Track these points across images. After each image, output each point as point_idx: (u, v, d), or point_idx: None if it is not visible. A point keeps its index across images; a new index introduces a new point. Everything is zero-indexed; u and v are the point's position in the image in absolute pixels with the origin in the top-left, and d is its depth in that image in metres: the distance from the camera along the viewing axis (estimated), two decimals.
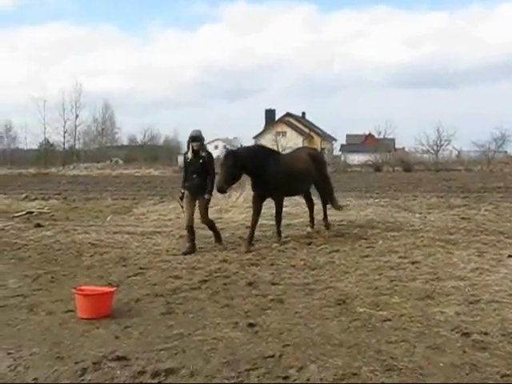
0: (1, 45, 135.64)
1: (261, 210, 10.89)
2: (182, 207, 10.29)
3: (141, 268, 8.78)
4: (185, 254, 9.71)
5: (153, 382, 4.54)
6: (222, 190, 10.10)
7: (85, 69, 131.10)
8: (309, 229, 12.02)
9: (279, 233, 10.83)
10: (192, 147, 10.05)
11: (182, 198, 10.28)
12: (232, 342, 5.40)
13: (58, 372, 4.75)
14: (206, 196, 10.05)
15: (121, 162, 79.70)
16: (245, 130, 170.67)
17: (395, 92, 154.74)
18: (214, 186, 10.12)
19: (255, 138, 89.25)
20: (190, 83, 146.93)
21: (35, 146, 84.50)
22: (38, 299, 7.11)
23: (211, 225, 10.49)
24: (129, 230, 12.72)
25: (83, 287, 6.83)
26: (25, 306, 6.82)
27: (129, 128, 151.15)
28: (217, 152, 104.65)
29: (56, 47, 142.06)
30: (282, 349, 5.18)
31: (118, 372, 4.72)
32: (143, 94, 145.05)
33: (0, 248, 10.88)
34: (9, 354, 5.18)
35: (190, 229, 10.06)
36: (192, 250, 9.93)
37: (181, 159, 46.44)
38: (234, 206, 16.07)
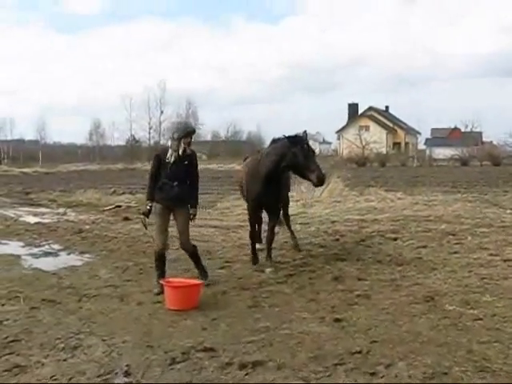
0: (91, 46, 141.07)
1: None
2: (146, 227, 7.54)
3: (226, 261, 8.90)
4: (158, 294, 7.02)
5: (240, 373, 4.59)
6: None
7: (169, 65, 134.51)
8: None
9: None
10: (187, 144, 7.30)
11: (147, 214, 7.38)
12: (318, 336, 5.38)
13: (148, 360, 4.89)
14: (192, 211, 7.42)
15: (204, 157, 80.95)
16: (327, 125, 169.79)
17: (484, 82, 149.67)
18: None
19: (338, 132, 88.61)
20: (273, 78, 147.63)
21: (122, 143, 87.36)
22: (128, 290, 7.35)
23: (194, 250, 7.59)
24: (214, 223, 12.91)
25: (171, 279, 6.99)
26: (116, 295, 7.07)
27: (212, 123, 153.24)
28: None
29: (142, 45, 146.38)
30: (370, 345, 5.12)
31: (206, 363, 4.80)
32: (226, 90, 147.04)
33: (92, 240, 11.32)
34: (103, 340, 5.39)
35: (162, 256, 7.42)
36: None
37: None
38: (318, 200, 16.02)
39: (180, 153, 7.24)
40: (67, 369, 4.73)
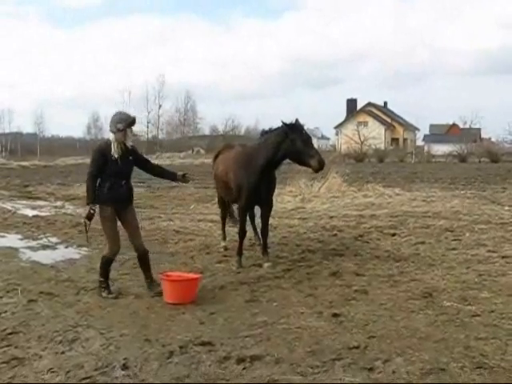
0: (90, 38, 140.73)
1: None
2: (87, 231, 6.92)
3: (224, 256, 8.91)
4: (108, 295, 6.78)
5: (238, 367, 4.59)
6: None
7: (168, 60, 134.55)
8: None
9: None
10: (130, 134, 6.85)
11: (91, 218, 6.75)
12: (316, 331, 5.39)
13: (146, 353, 4.89)
14: (180, 174, 7.19)
15: (202, 151, 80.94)
16: (326, 120, 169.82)
17: (484, 79, 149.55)
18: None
19: (336, 127, 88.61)
20: (273, 73, 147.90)
21: None
22: (126, 283, 7.36)
23: (147, 254, 7.07)
24: (212, 218, 12.88)
25: (169, 273, 6.98)
26: (114, 289, 7.03)
27: (211, 118, 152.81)
28: None
29: (140, 39, 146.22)
30: (367, 340, 5.12)
31: (204, 356, 4.80)
32: (226, 84, 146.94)
33: (90, 233, 11.24)
34: (101, 333, 5.39)
35: (112, 261, 7.03)
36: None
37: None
38: (316, 195, 16.01)
39: (128, 145, 6.78)
40: (65, 361, 4.73)
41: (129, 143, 6.79)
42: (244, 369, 4.57)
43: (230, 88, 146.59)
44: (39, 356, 4.87)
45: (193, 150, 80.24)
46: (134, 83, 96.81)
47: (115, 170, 6.68)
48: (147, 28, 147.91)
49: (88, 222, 6.75)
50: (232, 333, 5.37)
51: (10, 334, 5.43)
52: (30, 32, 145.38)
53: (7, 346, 5.12)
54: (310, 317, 5.81)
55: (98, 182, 6.74)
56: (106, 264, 6.92)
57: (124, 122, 6.70)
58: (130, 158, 6.81)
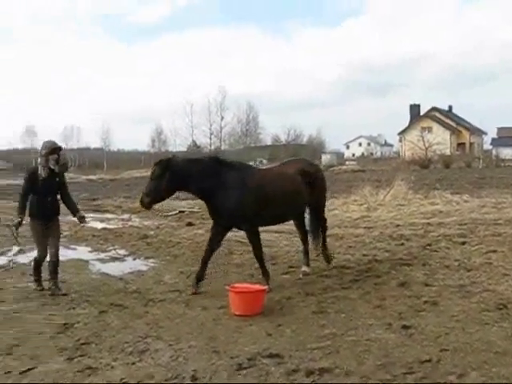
0: (152, 52, 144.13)
1: (220, 240, 8.03)
2: (17, 238, 8.22)
3: (290, 267, 8.87)
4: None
5: (307, 380, 4.55)
6: (142, 203, 7.96)
7: (229, 71, 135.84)
8: (304, 268, 8.46)
9: (265, 273, 7.80)
10: (55, 160, 7.71)
11: (17, 227, 7.81)
12: (386, 343, 5.28)
13: (215, 365, 4.91)
14: (79, 214, 8.08)
15: (265, 161, 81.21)
16: (389, 126, 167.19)
17: None
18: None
19: (400, 134, 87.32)
20: (333, 81, 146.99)
21: (184, 149, 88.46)
22: (193, 295, 7.39)
23: (58, 262, 7.85)
24: (277, 228, 12.85)
25: (236, 284, 7.00)
26: (181, 300, 7.15)
27: (272, 128, 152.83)
28: (360, 149, 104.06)
29: (201, 51, 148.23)
30: (440, 353, 4.98)
31: (273, 369, 4.78)
32: (286, 94, 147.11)
33: (156, 245, 11.50)
34: (170, 345, 5.46)
35: (42, 265, 7.95)
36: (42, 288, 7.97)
37: (325, 159, 42.20)
38: (381, 204, 15.77)
39: (51, 167, 7.71)
40: (136, 372, 4.81)
41: (52, 167, 7.72)
42: (313, 381, 4.52)
43: (291, 97, 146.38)
44: (111, 366, 4.97)
45: (255, 161, 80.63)
46: (196, 95, 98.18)
47: (41, 189, 7.72)
48: (208, 40, 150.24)
49: (15, 229, 7.89)
50: (300, 345, 5.33)
51: (84, 344, 5.58)
52: (96, 47, 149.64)
53: (81, 355, 5.26)
54: (378, 329, 5.71)
55: (30, 198, 7.78)
56: (36, 266, 7.98)
57: (46, 150, 7.78)
58: (57, 179, 7.85)
